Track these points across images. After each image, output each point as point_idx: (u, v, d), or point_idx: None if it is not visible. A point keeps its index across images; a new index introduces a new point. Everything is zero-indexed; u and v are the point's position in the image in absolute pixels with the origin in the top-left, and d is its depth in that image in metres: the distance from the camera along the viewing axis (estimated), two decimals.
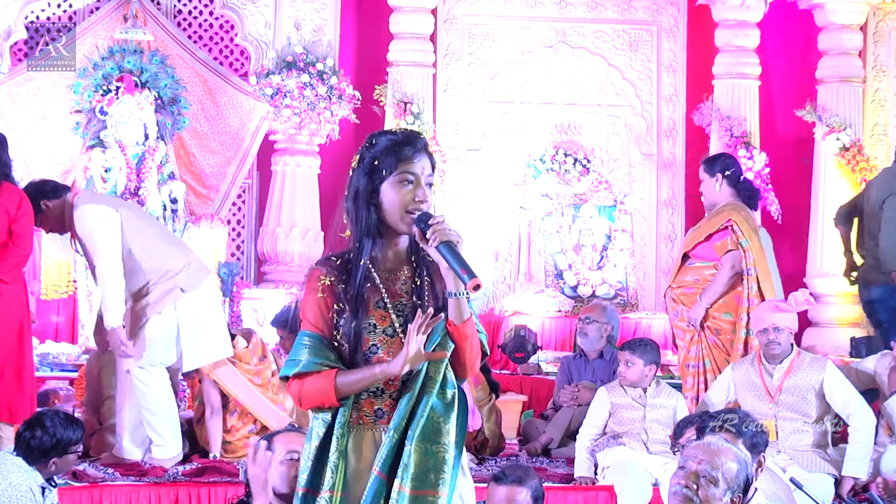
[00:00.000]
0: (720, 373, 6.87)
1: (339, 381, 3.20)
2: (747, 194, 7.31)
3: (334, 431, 3.22)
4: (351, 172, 3.31)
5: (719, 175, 7.22)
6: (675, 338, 7.33)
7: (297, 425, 4.48)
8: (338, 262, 3.29)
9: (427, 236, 3.19)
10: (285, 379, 3.26)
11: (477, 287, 3.11)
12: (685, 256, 7.35)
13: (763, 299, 6.97)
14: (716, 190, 7.23)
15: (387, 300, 3.27)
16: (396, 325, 3.26)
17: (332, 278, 3.27)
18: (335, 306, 3.25)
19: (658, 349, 6.75)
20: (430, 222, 3.19)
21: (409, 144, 3.28)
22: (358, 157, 3.31)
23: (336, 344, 3.26)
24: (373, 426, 3.25)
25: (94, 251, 6.47)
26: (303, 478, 3.24)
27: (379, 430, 3.24)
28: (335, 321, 3.26)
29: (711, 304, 7.09)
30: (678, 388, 7.17)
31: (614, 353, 7.48)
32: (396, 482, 3.16)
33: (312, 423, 3.28)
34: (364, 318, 3.24)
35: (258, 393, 7.15)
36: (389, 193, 3.26)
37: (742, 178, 7.36)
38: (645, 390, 6.49)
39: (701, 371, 7.10)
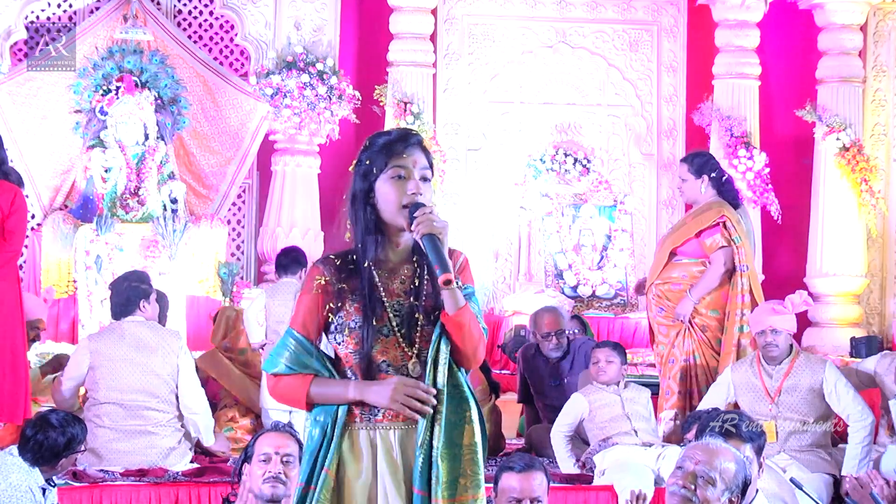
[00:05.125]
0: (709, 368, 6.91)
1: (312, 391, 3.26)
2: (730, 195, 7.32)
3: (335, 431, 3.23)
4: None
5: (706, 177, 7.22)
6: (657, 334, 7.29)
7: (283, 424, 4.51)
8: (338, 262, 3.30)
9: (412, 227, 3.21)
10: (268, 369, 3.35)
11: (448, 282, 3.14)
12: (671, 253, 7.33)
13: (753, 297, 6.98)
14: (700, 191, 7.24)
15: (385, 299, 3.27)
16: (393, 323, 3.26)
17: (329, 277, 3.27)
18: (329, 305, 3.27)
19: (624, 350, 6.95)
20: (415, 214, 3.21)
21: (400, 141, 3.30)
22: (355, 160, 3.34)
23: (335, 340, 3.27)
24: (367, 424, 3.24)
25: None
26: (301, 474, 3.27)
27: (373, 429, 3.24)
28: (328, 319, 3.27)
29: (700, 299, 7.07)
30: (654, 385, 7.25)
31: (575, 347, 7.55)
32: (433, 497, 3.17)
33: (307, 422, 3.30)
34: (372, 317, 3.24)
35: (240, 375, 7.35)
36: (383, 190, 3.27)
37: (725, 178, 7.37)
38: (618, 384, 6.61)
39: (692, 365, 7.09)
